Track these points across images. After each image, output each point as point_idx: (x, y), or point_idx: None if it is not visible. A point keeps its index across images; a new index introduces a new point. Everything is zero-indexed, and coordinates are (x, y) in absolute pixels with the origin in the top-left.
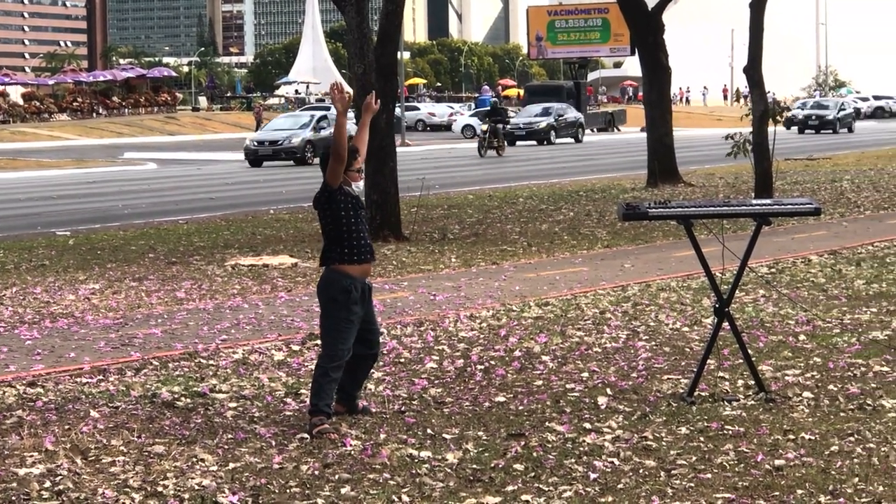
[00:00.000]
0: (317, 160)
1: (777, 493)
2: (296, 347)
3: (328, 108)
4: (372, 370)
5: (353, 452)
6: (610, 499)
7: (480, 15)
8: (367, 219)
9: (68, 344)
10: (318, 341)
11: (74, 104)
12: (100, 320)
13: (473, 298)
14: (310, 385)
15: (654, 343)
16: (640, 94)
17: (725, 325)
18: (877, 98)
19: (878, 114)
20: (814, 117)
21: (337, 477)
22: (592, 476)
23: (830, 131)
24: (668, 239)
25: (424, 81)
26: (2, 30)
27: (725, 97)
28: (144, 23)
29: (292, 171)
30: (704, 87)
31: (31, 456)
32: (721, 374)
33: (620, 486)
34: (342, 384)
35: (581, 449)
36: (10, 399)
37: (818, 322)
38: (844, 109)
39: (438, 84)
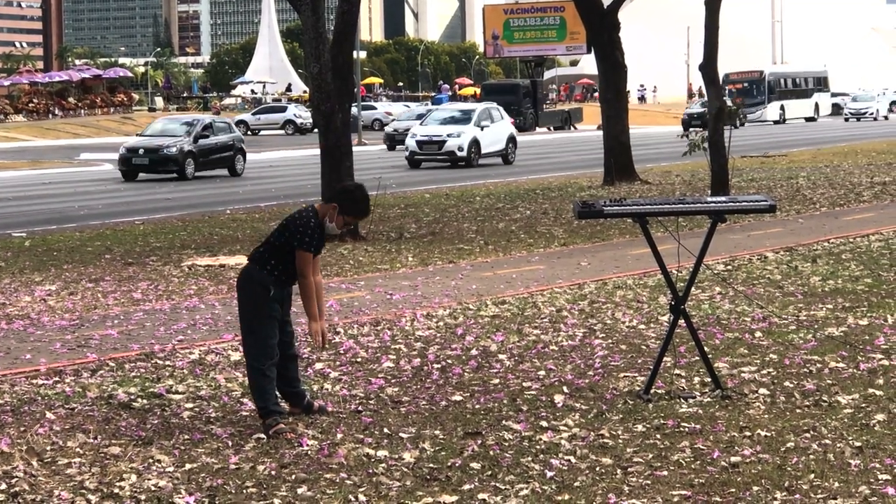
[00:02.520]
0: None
1: (733, 490)
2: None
3: (284, 109)
4: (320, 370)
5: (309, 452)
6: (567, 497)
7: (437, 14)
8: None
9: (24, 345)
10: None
11: (30, 105)
12: (56, 321)
13: (430, 297)
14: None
15: (610, 341)
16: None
17: (682, 322)
18: (833, 95)
19: (835, 111)
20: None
21: (294, 477)
22: (549, 474)
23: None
24: (624, 237)
25: (381, 81)
26: None
27: (690, 95)
28: (100, 23)
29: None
30: (641, 86)
31: None
32: (677, 371)
33: (577, 483)
34: (279, 388)
35: (538, 447)
36: None
37: (774, 319)
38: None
39: (400, 84)
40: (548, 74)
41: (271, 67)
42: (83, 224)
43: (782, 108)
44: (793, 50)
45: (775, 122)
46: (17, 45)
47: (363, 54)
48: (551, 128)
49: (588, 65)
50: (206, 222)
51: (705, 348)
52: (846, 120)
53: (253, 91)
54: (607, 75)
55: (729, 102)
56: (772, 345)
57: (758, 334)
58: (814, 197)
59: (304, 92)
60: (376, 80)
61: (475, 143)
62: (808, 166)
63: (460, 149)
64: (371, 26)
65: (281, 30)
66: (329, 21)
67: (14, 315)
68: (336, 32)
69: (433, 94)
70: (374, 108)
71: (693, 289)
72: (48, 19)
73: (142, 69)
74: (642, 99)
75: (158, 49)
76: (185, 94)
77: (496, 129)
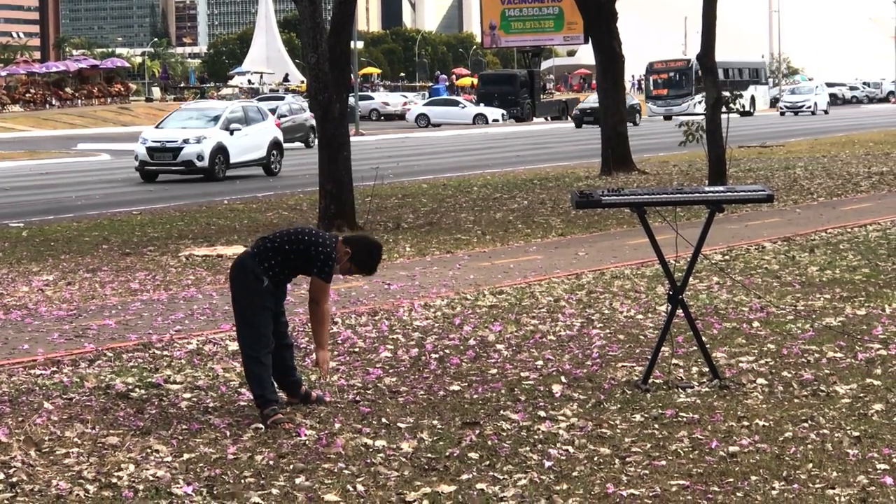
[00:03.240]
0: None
1: (731, 480)
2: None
3: (282, 98)
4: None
5: (307, 442)
6: (565, 486)
7: (434, 4)
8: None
9: (22, 336)
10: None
11: (27, 95)
12: (53, 312)
13: (428, 287)
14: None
15: (608, 331)
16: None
17: (679, 312)
18: (830, 85)
19: (831, 101)
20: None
21: (292, 467)
22: (547, 464)
23: None
24: (622, 227)
25: (378, 71)
26: None
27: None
28: (97, 14)
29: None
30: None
31: None
32: (675, 361)
33: (575, 473)
34: (275, 378)
35: (536, 437)
36: None
37: (772, 309)
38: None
39: (402, 74)
40: (545, 65)
41: (268, 58)
42: (80, 214)
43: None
44: (791, 41)
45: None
46: (15, 35)
47: (360, 44)
48: (548, 118)
49: (585, 55)
50: (203, 212)
51: (703, 338)
52: (782, 114)
53: (250, 81)
54: (605, 65)
55: (633, 100)
56: (770, 335)
57: (756, 324)
58: (811, 187)
59: (302, 82)
60: (374, 71)
61: (221, 150)
62: (805, 156)
63: (200, 157)
64: (368, 16)
65: (278, 20)
66: (326, 11)
67: (11, 305)
68: (333, 22)
69: (430, 84)
70: (371, 97)
71: (691, 279)
72: (45, 9)
73: (139, 59)
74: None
75: (155, 39)
76: (182, 85)
77: (254, 134)
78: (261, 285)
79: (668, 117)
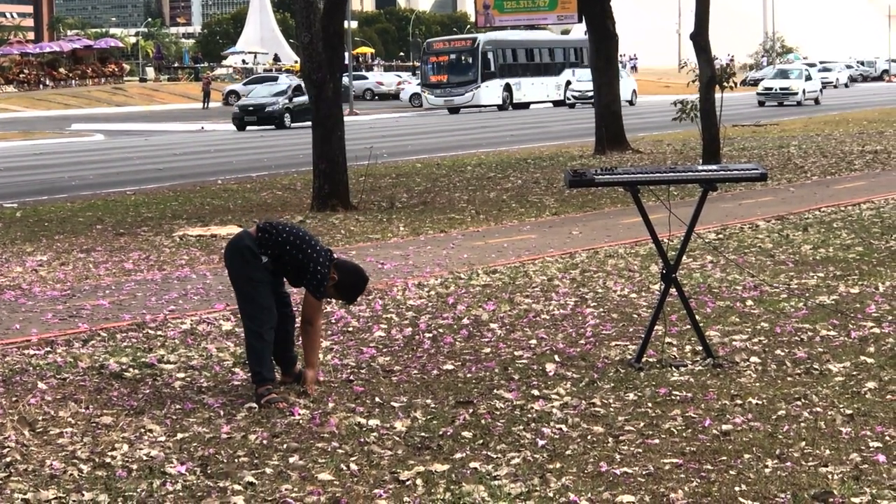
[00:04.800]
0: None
1: (724, 458)
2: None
3: (276, 79)
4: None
5: (301, 421)
6: (558, 465)
7: None
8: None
9: (15, 316)
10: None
11: (21, 76)
12: (47, 292)
13: (421, 267)
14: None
15: (601, 310)
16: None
17: (673, 291)
18: (823, 63)
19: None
20: None
21: (285, 446)
22: (540, 443)
23: None
24: (615, 206)
25: (372, 50)
26: None
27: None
28: None
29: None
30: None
31: None
32: (669, 340)
33: (568, 452)
34: (275, 354)
35: (529, 416)
36: None
37: (765, 287)
38: None
39: (402, 54)
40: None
41: (262, 38)
42: (74, 194)
43: (507, 88)
44: (785, 20)
45: (499, 108)
46: (8, 15)
47: (354, 24)
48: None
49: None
50: (197, 192)
51: (697, 317)
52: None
53: (244, 61)
54: (598, 44)
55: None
56: (763, 313)
57: (749, 303)
58: (805, 166)
59: (295, 62)
60: (367, 50)
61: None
62: (799, 135)
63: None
64: None
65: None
66: None
67: (5, 286)
68: (327, 2)
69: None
70: (365, 77)
71: (684, 257)
72: None
73: (133, 40)
74: (634, 68)
75: (149, 20)
76: (176, 65)
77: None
78: (259, 261)
79: (453, 110)
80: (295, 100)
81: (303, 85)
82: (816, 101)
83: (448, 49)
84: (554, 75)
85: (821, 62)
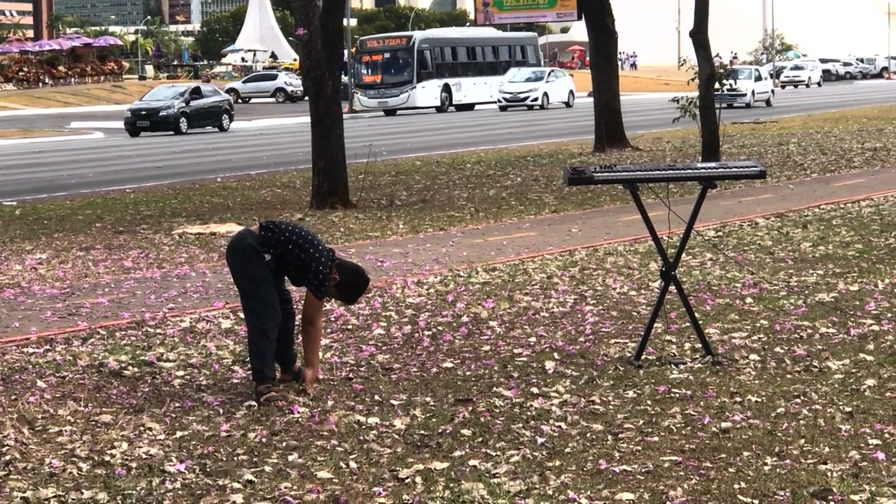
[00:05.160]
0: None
1: (724, 456)
2: (243, 315)
3: (275, 77)
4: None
5: (300, 419)
6: (557, 463)
7: None
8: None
9: (15, 314)
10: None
11: (20, 74)
12: (47, 290)
13: (421, 264)
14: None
15: (601, 307)
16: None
17: (672, 288)
18: (823, 61)
19: (825, 77)
20: None
21: (284, 444)
22: (540, 440)
23: None
24: (615, 203)
25: None
26: None
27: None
28: None
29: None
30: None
31: None
32: (668, 337)
33: (568, 450)
34: (275, 351)
35: (528, 413)
36: None
37: (765, 285)
38: None
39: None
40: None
41: (262, 35)
42: (73, 192)
43: (447, 89)
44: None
45: (438, 110)
46: (7, 13)
47: (353, 22)
48: None
49: (578, 31)
50: (196, 190)
51: (696, 314)
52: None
53: (243, 59)
54: (598, 42)
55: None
56: (762, 311)
57: (748, 300)
58: (804, 163)
59: (294, 60)
60: None
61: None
62: (798, 132)
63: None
64: None
65: None
66: None
67: (4, 284)
68: (326, 0)
69: None
70: None
71: (684, 255)
72: None
73: (132, 37)
74: (633, 66)
75: (149, 17)
76: (175, 63)
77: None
78: (262, 260)
79: (389, 112)
80: (192, 103)
81: (202, 87)
82: (767, 102)
83: (382, 48)
84: (498, 74)
85: (820, 59)
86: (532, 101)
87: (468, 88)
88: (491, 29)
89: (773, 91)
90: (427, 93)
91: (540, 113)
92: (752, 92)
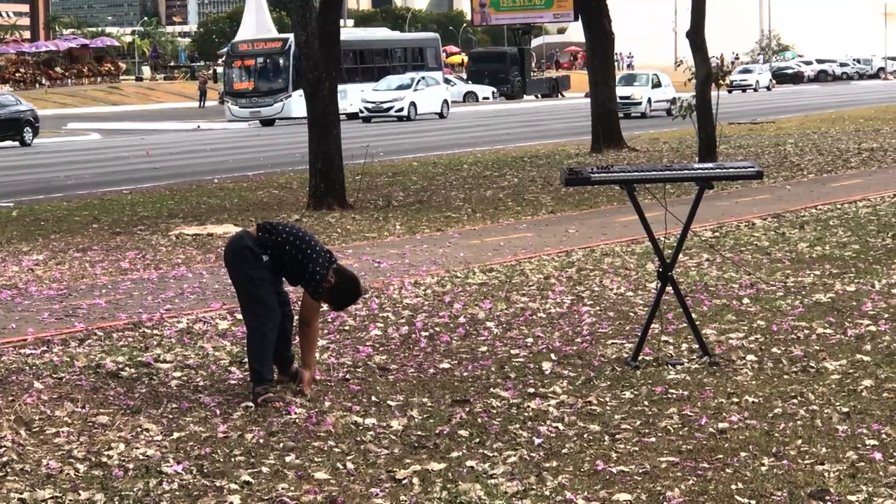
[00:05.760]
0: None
1: (721, 456)
2: (240, 316)
3: None
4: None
5: (297, 420)
6: (555, 464)
7: None
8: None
9: (11, 315)
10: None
11: (17, 75)
12: (43, 291)
13: (418, 265)
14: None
15: (598, 308)
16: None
17: (669, 289)
18: (820, 62)
19: (822, 77)
20: None
21: (282, 445)
22: (537, 441)
23: None
24: (612, 204)
25: None
26: None
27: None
28: None
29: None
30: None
31: None
32: (665, 338)
33: (565, 450)
34: (275, 351)
35: (526, 414)
36: None
37: (762, 285)
38: None
39: None
40: (535, 42)
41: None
42: (70, 194)
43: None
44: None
45: (360, 116)
46: (4, 14)
47: (350, 22)
48: (538, 95)
49: (575, 32)
50: (193, 191)
51: (693, 315)
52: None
53: None
54: (594, 42)
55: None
56: (759, 311)
57: (745, 301)
58: (801, 163)
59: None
60: None
61: None
62: (795, 133)
63: None
64: None
65: None
66: None
67: (1, 285)
68: (322, 0)
69: None
70: None
71: (680, 255)
72: None
73: (129, 38)
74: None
75: (145, 18)
76: (172, 64)
77: None
78: (260, 261)
79: (266, 122)
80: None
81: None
82: (669, 112)
83: (254, 51)
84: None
85: (817, 60)
86: (397, 111)
87: (356, 96)
88: (385, 30)
89: (674, 100)
90: (301, 102)
91: (407, 125)
92: (649, 100)
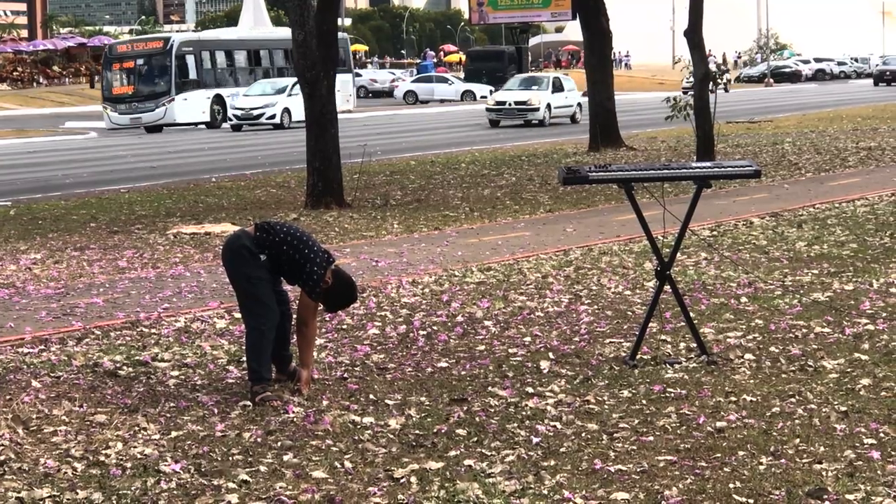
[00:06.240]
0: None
1: (719, 455)
2: (238, 315)
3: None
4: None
5: (295, 419)
6: (552, 462)
7: None
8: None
9: (9, 314)
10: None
11: (14, 74)
12: (41, 290)
13: (416, 264)
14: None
15: (596, 307)
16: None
17: (667, 288)
18: (818, 60)
19: (819, 76)
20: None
21: (280, 444)
22: (535, 440)
23: None
24: (610, 203)
25: (366, 48)
26: None
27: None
28: None
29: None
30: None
31: None
32: (663, 337)
33: (563, 449)
34: (273, 350)
35: (523, 413)
36: None
37: (760, 284)
38: None
39: (403, 51)
40: (533, 41)
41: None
42: (68, 192)
43: (219, 100)
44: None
45: (209, 126)
46: (2, 13)
47: (348, 21)
48: None
49: (573, 31)
50: (191, 190)
51: (691, 314)
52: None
53: None
54: (592, 41)
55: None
56: (757, 310)
57: (743, 300)
58: (799, 162)
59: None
60: (361, 48)
61: None
62: (793, 132)
63: None
64: None
65: None
66: None
67: None
68: (321, 0)
69: (418, 61)
70: (359, 74)
71: (679, 254)
72: None
73: (127, 37)
74: (627, 66)
75: (143, 17)
76: None
77: None
78: (258, 260)
79: (153, 129)
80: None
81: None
82: (573, 119)
83: (134, 52)
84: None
85: (814, 59)
86: (268, 118)
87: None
88: (280, 30)
89: (580, 105)
90: (191, 106)
91: (280, 134)
92: (548, 106)
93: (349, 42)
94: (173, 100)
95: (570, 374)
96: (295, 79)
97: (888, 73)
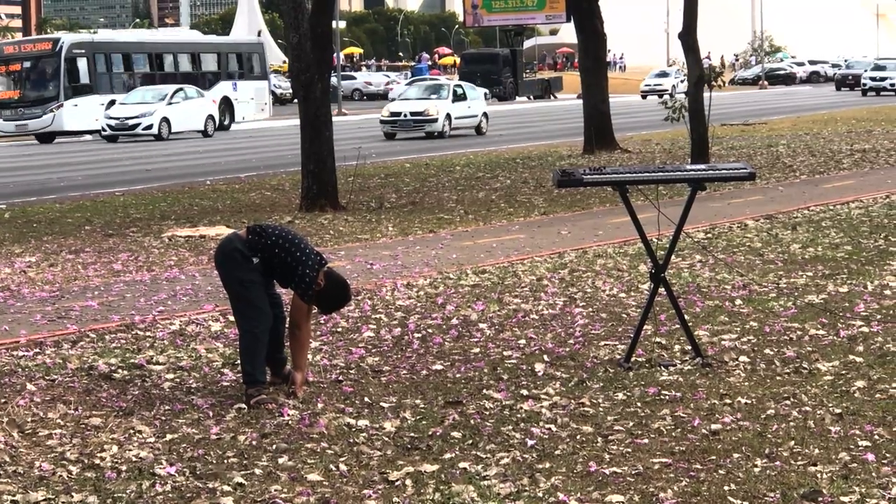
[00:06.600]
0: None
1: (713, 458)
2: (232, 318)
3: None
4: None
5: (290, 422)
6: (547, 465)
7: None
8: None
9: (4, 317)
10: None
11: None
12: (36, 293)
13: (410, 267)
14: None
15: (591, 309)
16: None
17: (662, 290)
18: (812, 63)
19: (814, 78)
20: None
21: (275, 447)
22: (530, 443)
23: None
24: (604, 205)
25: (361, 51)
26: None
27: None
28: None
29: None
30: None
31: None
32: (658, 339)
33: (558, 452)
34: (267, 353)
35: (518, 416)
36: None
37: (754, 286)
38: None
39: (400, 54)
40: (527, 44)
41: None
42: (63, 195)
43: (111, 106)
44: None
45: (102, 135)
46: None
47: (342, 24)
48: (531, 97)
49: (567, 33)
50: (185, 193)
51: (685, 316)
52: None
53: None
54: (587, 44)
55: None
56: (752, 312)
57: (738, 302)
58: (794, 164)
59: (284, 62)
60: (356, 51)
61: None
62: (788, 134)
63: None
64: None
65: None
66: None
67: None
68: (315, 2)
69: (413, 63)
70: (353, 77)
71: (673, 257)
72: None
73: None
74: (622, 68)
75: (137, 20)
76: None
77: None
78: (250, 263)
79: (44, 138)
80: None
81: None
82: (478, 130)
83: (20, 55)
84: (205, 90)
85: (809, 61)
86: (144, 128)
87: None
88: (186, 32)
89: (486, 115)
90: (83, 112)
91: (158, 146)
92: (448, 116)
93: (264, 46)
94: (62, 106)
95: (565, 376)
96: (177, 86)
97: (850, 77)
